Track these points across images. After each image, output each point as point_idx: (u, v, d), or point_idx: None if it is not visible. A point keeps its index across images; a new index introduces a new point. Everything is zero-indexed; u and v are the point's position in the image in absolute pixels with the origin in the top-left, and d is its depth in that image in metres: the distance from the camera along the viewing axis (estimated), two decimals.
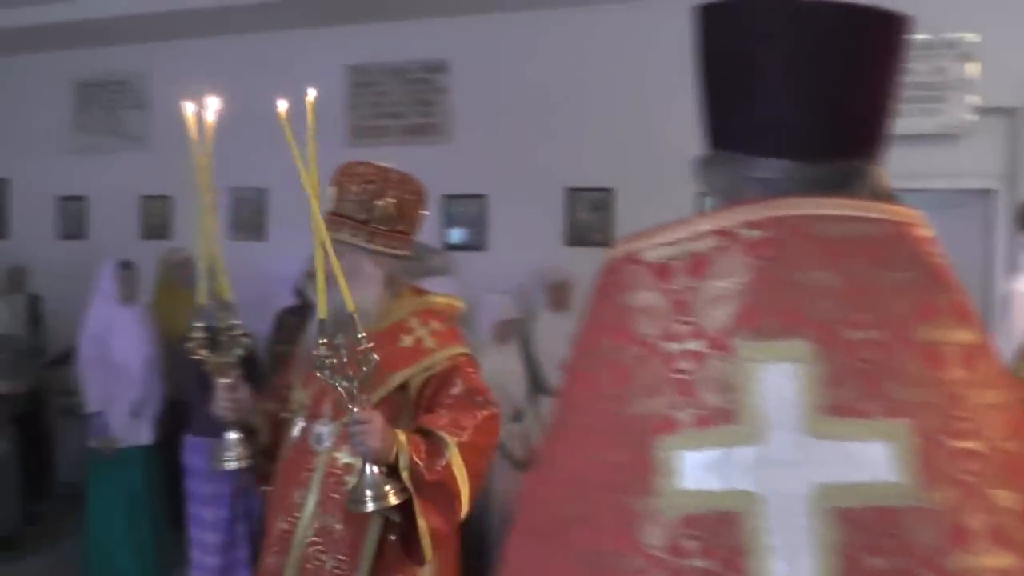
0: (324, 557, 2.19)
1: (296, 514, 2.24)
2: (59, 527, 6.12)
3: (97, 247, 7.05)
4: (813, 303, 1.00)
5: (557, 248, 5.86)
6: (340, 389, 1.97)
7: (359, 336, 1.94)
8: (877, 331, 0.99)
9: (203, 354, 2.21)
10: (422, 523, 2.07)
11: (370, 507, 1.97)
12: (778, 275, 1.01)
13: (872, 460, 0.96)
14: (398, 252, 2.30)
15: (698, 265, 1.03)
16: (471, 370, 2.28)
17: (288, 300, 5.29)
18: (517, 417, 4.97)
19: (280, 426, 2.40)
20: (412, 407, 2.24)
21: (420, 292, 2.48)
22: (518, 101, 5.94)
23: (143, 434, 5.17)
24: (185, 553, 4.91)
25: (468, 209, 6.10)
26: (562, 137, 5.83)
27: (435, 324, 2.31)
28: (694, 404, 1.00)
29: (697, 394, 1.00)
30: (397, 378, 2.23)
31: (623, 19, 5.68)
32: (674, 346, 1.02)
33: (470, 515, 4.55)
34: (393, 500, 1.98)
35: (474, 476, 2.16)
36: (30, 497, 6.15)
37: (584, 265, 5.40)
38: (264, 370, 4.62)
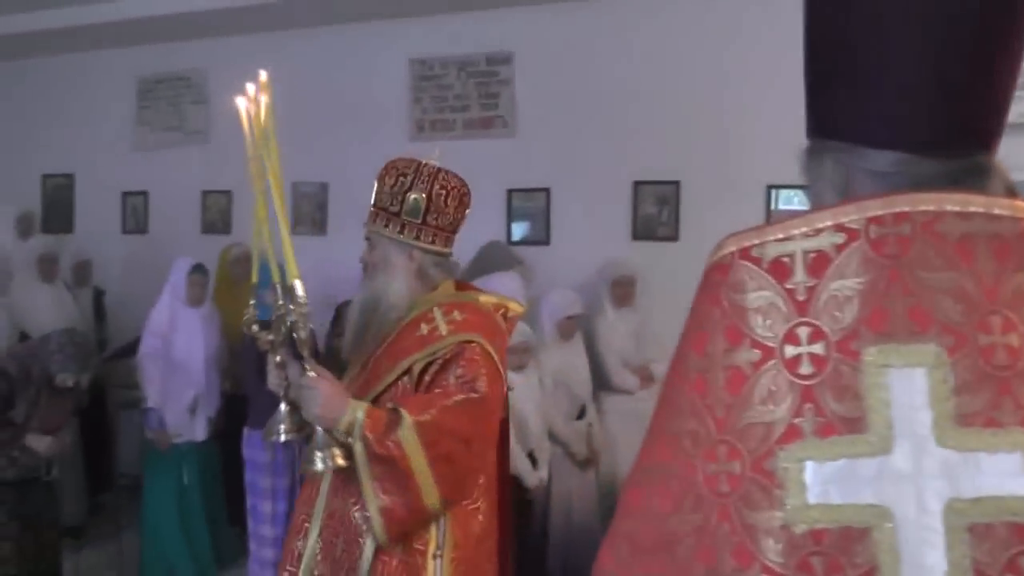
0: (335, 540, 2.27)
1: (315, 498, 2.35)
2: (120, 517, 6.20)
3: (158, 242, 7.23)
4: (942, 305, 0.95)
5: (622, 242, 5.81)
6: (303, 356, 2.13)
7: (300, 302, 2.09)
8: (1010, 335, 0.93)
9: (255, 330, 2.30)
10: (369, 496, 2.13)
11: (319, 467, 2.09)
12: (905, 275, 0.96)
13: (1006, 472, 0.91)
14: (426, 246, 2.37)
15: (819, 263, 0.98)
16: (475, 358, 2.26)
17: (350, 294, 5.30)
18: (580, 414, 4.95)
19: None
20: (413, 391, 2.27)
21: (466, 288, 2.54)
22: (583, 93, 5.89)
23: (198, 430, 5.28)
24: (246, 546, 5.00)
25: (532, 203, 6.11)
26: (628, 129, 5.76)
27: (456, 314, 2.33)
28: (817, 412, 0.95)
29: (819, 401, 0.95)
30: (404, 364, 2.29)
31: (690, 8, 5.60)
32: (795, 349, 0.97)
33: (530, 516, 4.55)
34: (340, 462, 2.09)
35: (439, 459, 2.15)
36: (92, 488, 6.30)
37: (650, 260, 5.45)
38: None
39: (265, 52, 6.60)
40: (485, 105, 6.15)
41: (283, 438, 2.26)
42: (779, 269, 1.00)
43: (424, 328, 2.31)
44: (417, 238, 2.35)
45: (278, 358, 2.33)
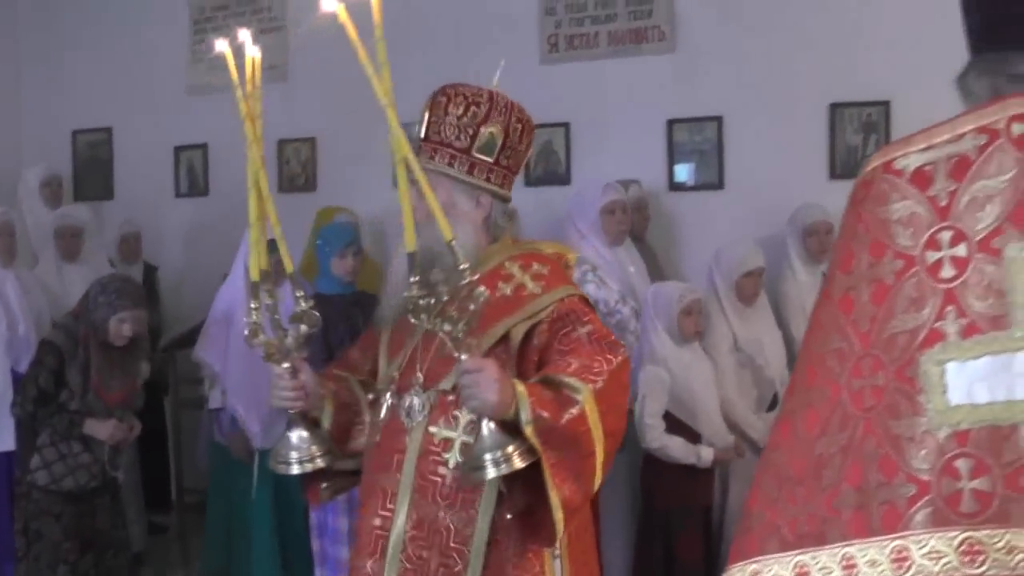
0: (426, 554, 2.24)
1: (390, 506, 2.30)
2: (186, 543, 6.33)
3: (221, 205, 7.01)
4: None
5: (818, 183, 5.56)
6: (442, 334, 2.02)
7: (461, 269, 1.96)
8: None
9: (260, 341, 2.25)
10: (553, 492, 2.06)
11: (490, 473, 2.00)
12: None
13: None
14: (496, 188, 2.38)
15: (960, 166, 1.16)
16: (589, 311, 2.30)
17: None
18: (774, 404, 4.80)
19: (345, 409, 2.47)
20: (515, 362, 2.26)
21: (520, 240, 2.60)
22: None
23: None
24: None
25: (700, 136, 5.88)
26: (821, 37, 5.51)
27: (537, 267, 2.35)
28: (959, 313, 1.13)
29: (962, 302, 1.13)
30: (499, 329, 2.26)
31: None
32: (936, 254, 1.16)
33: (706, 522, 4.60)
34: (518, 463, 2.01)
35: (610, 434, 2.15)
36: (153, 507, 6.33)
37: None
38: None
39: None
40: (635, 14, 5.92)
41: (295, 469, 2.25)
42: (921, 178, 1.19)
43: (505, 288, 2.31)
44: (488, 180, 2.35)
45: (286, 364, 2.27)
